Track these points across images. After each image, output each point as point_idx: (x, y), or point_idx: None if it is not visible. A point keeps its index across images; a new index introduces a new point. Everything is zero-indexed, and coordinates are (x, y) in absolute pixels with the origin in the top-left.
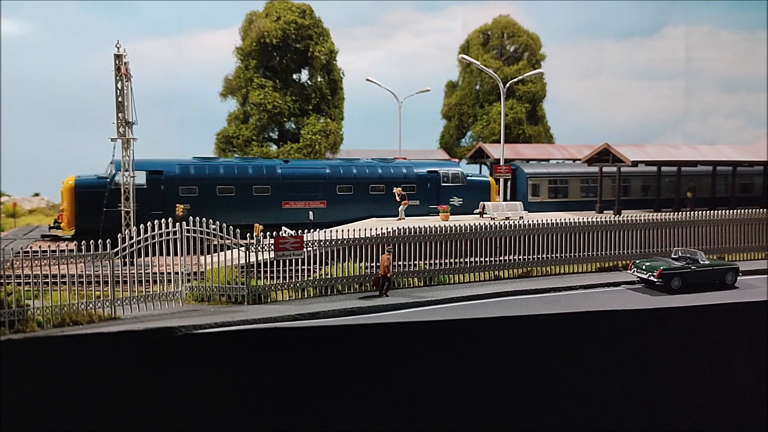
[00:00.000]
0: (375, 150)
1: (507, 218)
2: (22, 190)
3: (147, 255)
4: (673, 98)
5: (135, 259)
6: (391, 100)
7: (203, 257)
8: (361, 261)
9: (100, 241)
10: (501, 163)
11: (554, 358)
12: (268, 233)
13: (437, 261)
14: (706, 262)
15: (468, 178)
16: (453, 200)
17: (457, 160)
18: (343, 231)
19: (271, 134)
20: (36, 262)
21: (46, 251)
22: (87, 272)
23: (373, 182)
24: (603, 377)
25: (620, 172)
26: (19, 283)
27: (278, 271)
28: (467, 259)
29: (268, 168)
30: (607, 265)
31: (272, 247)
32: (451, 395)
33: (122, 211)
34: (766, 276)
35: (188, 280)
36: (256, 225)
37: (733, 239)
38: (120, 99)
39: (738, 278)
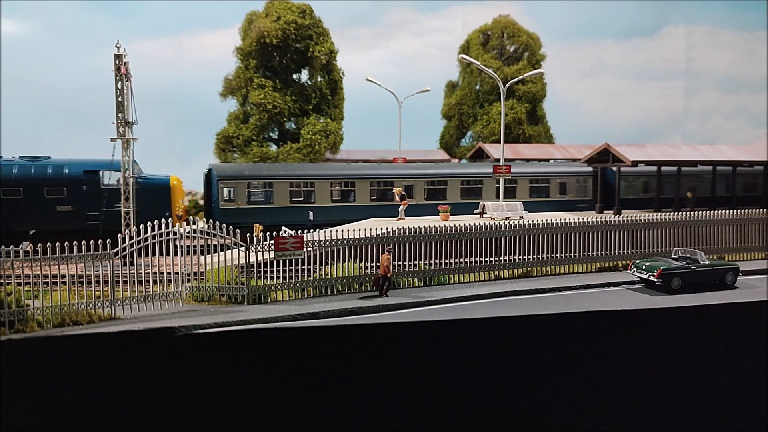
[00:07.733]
0: (375, 150)
1: (507, 218)
2: None
3: (147, 255)
4: (673, 98)
5: (135, 259)
6: (391, 100)
7: (203, 257)
8: (361, 261)
9: (100, 241)
10: (501, 163)
11: (554, 358)
12: (268, 233)
13: (437, 261)
14: (706, 262)
15: (140, 180)
16: (119, 206)
17: (457, 160)
18: (343, 231)
19: (271, 134)
20: (36, 262)
21: (46, 251)
22: (87, 272)
23: (5, 185)
24: (603, 377)
25: (620, 171)
26: (19, 283)
27: (278, 271)
28: (467, 259)
29: None
30: (607, 265)
31: (272, 247)
32: (451, 394)
33: (122, 212)
34: (766, 276)
35: (188, 280)
36: (256, 225)
37: (733, 239)
38: (120, 99)
39: (738, 278)
